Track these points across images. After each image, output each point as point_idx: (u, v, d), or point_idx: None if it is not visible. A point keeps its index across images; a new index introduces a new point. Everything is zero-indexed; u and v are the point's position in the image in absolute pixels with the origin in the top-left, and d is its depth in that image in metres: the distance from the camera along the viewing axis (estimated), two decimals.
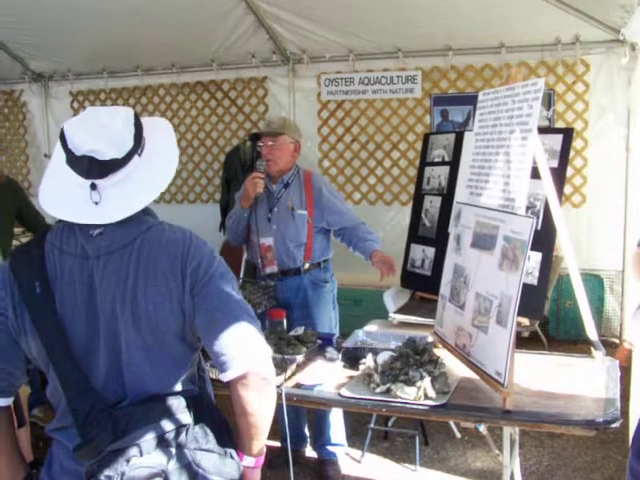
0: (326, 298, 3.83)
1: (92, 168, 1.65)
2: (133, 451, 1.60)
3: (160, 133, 1.82)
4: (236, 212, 3.81)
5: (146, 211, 1.79)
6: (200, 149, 7.15)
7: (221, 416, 1.82)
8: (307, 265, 3.75)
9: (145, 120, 1.79)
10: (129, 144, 1.69)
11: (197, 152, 7.16)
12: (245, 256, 4.31)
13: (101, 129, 1.68)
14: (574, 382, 2.79)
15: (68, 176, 1.69)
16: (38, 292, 1.68)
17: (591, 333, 2.97)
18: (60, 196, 1.72)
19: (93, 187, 1.67)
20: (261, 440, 1.81)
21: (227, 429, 1.80)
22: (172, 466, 1.64)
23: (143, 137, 1.75)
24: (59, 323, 1.68)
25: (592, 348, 3.02)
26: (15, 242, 4.52)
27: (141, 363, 1.72)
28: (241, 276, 4.60)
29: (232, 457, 1.75)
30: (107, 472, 1.58)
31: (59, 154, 1.72)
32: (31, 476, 1.84)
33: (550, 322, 5.87)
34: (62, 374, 1.67)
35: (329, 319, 3.84)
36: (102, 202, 1.67)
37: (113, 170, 1.67)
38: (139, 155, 1.72)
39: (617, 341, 5.57)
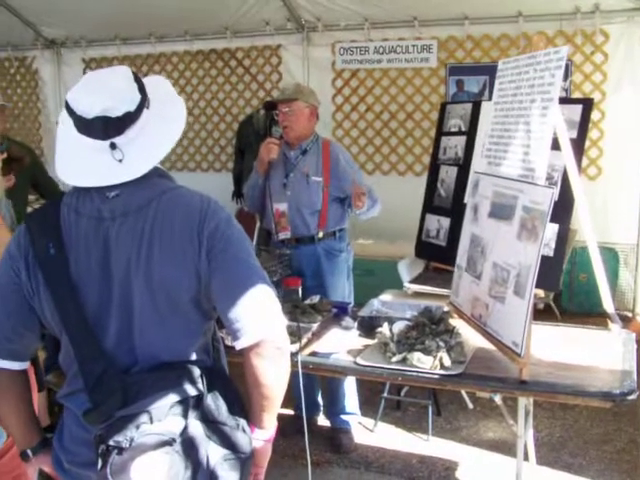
0: (340, 268, 3.82)
1: (108, 127, 1.62)
2: (143, 418, 1.57)
3: (160, 88, 1.80)
4: (252, 178, 3.85)
5: (164, 175, 1.78)
6: (213, 117, 7.11)
7: (234, 388, 1.78)
8: (321, 234, 3.74)
9: (143, 79, 1.77)
10: (137, 97, 1.67)
11: (210, 120, 7.12)
12: (258, 225, 4.30)
13: (106, 88, 1.66)
14: (590, 354, 2.79)
15: (82, 145, 1.67)
16: (52, 254, 1.66)
17: (608, 306, 2.96)
18: (80, 166, 1.69)
19: (113, 146, 1.64)
20: (273, 413, 1.77)
21: (240, 402, 1.76)
22: (183, 435, 1.60)
23: (146, 91, 1.72)
24: (73, 285, 1.65)
25: (608, 320, 3.01)
26: (29, 209, 4.52)
27: (153, 328, 1.69)
28: (254, 243, 4.60)
29: (244, 430, 1.71)
30: (116, 437, 1.55)
31: (66, 127, 1.70)
32: (46, 441, 1.85)
33: (563, 295, 5.82)
34: (74, 337, 1.66)
35: (342, 289, 3.83)
36: (125, 158, 1.65)
37: (129, 124, 1.65)
38: (147, 108, 1.70)
39: (630, 315, 5.55)
